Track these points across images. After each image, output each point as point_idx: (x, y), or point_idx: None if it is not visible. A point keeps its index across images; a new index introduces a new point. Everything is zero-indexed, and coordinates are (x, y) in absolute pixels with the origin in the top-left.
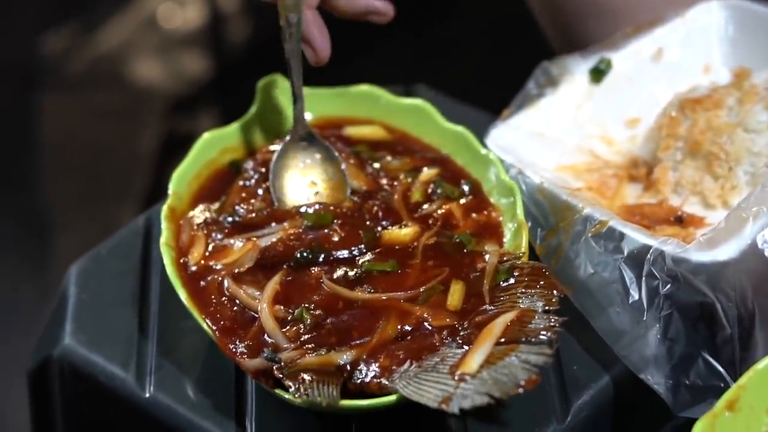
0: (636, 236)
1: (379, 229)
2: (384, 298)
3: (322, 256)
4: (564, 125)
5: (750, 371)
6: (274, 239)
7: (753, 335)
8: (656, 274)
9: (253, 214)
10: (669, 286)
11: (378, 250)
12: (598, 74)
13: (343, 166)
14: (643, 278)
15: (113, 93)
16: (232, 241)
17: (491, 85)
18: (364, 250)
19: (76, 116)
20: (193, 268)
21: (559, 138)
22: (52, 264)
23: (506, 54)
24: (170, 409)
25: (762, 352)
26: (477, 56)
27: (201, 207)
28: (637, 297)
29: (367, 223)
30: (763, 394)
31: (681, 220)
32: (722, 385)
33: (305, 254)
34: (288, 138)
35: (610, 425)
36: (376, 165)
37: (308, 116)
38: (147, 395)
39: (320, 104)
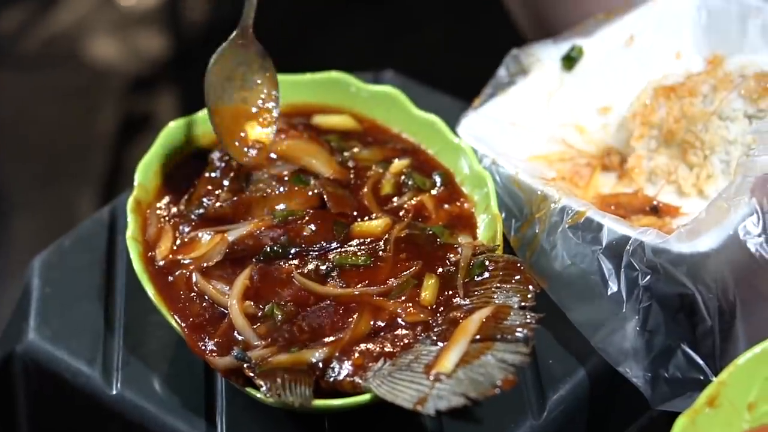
0: (615, 227)
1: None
2: (356, 293)
3: (293, 249)
4: (536, 114)
5: (730, 366)
6: (243, 232)
7: (734, 327)
8: (635, 265)
9: (220, 205)
10: (648, 277)
11: (350, 243)
12: (569, 61)
13: (270, 74)
14: (622, 269)
15: (70, 72)
16: (200, 234)
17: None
18: (336, 244)
19: (31, 96)
20: (161, 263)
21: (531, 127)
22: (9, 247)
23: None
24: (138, 407)
25: (743, 345)
26: (441, 35)
27: (168, 199)
28: (615, 289)
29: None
30: (743, 389)
31: (656, 210)
32: (702, 378)
33: (275, 248)
34: (228, 40)
35: (586, 419)
36: (346, 154)
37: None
38: (114, 392)
39: (288, 91)
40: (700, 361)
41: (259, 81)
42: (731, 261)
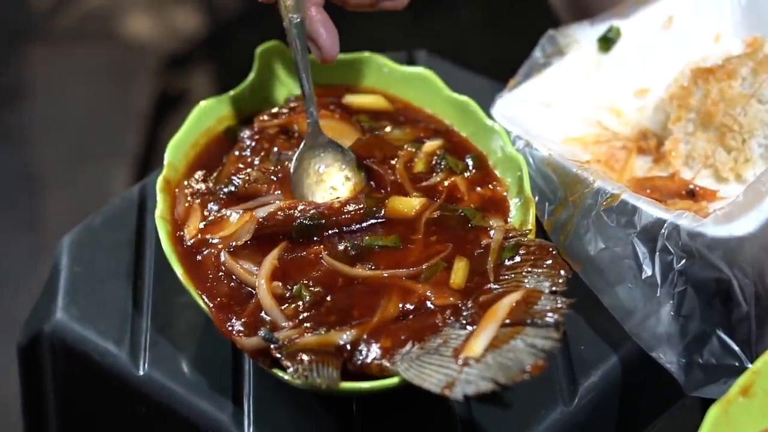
0: (650, 210)
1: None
2: (385, 275)
3: (324, 223)
4: (571, 96)
5: (765, 355)
6: (272, 209)
7: None
8: (671, 249)
9: (250, 185)
10: (684, 261)
11: (381, 221)
12: (606, 43)
13: (352, 159)
14: (657, 253)
15: (105, 49)
16: (228, 212)
17: (494, 50)
18: (371, 220)
19: (66, 73)
20: (190, 242)
21: (567, 109)
22: (43, 223)
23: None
24: (165, 388)
25: None
26: (477, 16)
27: (197, 177)
28: (650, 273)
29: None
30: None
31: (693, 194)
32: (737, 364)
33: (305, 222)
34: (303, 145)
35: (618, 406)
36: (378, 134)
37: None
38: (141, 373)
39: (320, 71)
40: (736, 348)
41: (348, 176)
42: None
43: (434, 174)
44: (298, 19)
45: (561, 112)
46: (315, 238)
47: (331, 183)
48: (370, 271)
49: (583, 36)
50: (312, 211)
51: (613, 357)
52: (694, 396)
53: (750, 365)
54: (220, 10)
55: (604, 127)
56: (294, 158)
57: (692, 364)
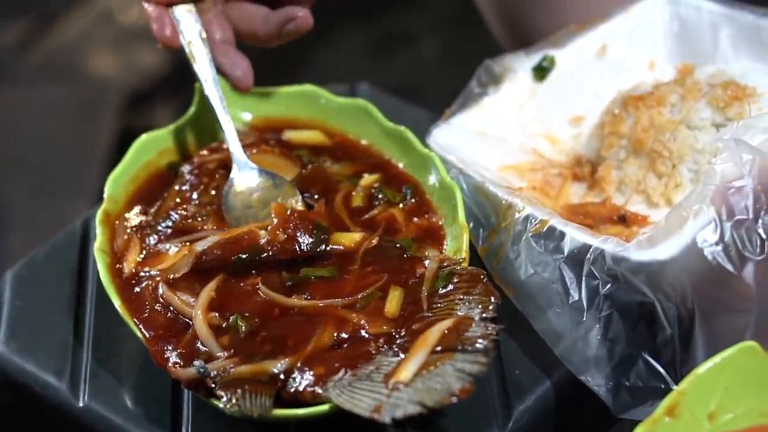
0: (576, 235)
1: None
2: (321, 304)
3: (263, 257)
4: (507, 124)
5: (690, 376)
6: (210, 243)
7: (693, 335)
8: (596, 273)
9: (189, 220)
10: (609, 285)
11: (320, 252)
12: (541, 72)
13: (290, 179)
14: (583, 278)
15: (68, 87)
16: (167, 246)
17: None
18: (308, 248)
19: (29, 110)
20: (128, 274)
21: (503, 137)
22: (1, 260)
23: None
24: (105, 419)
25: (703, 353)
26: (427, 50)
27: (136, 210)
28: (577, 297)
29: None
30: (704, 399)
31: (624, 219)
32: (663, 386)
33: (243, 257)
34: (231, 175)
35: (553, 430)
36: (318, 166)
37: (247, 116)
38: (81, 404)
39: (261, 104)
40: (661, 370)
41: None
42: (690, 269)
43: (373, 207)
44: (206, 62)
45: (497, 140)
46: (252, 271)
47: (266, 209)
48: (306, 301)
49: (519, 65)
50: (252, 246)
51: (546, 381)
52: (625, 418)
53: (675, 387)
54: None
55: (539, 154)
56: (225, 187)
57: (620, 386)
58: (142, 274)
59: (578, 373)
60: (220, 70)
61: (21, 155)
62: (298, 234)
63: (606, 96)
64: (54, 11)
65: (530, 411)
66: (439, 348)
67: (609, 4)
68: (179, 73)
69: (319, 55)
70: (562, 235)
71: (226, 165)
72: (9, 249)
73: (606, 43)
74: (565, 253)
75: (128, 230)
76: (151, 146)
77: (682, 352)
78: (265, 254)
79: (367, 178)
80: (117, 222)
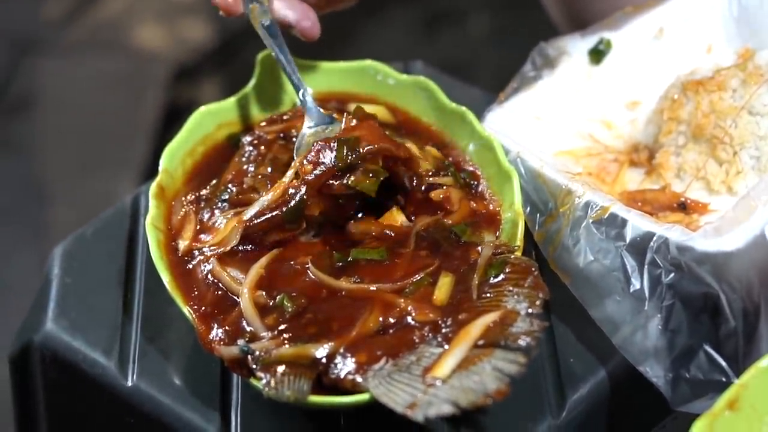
0: (639, 223)
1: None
2: (370, 288)
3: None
4: (562, 108)
5: (752, 369)
6: (257, 209)
7: (758, 329)
8: (659, 262)
9: (245, 194)
10: (672, 275)
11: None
12: (597, 55)
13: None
14: (646, 266)
15: (115, 60)
16: (220, 219)
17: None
18: (334, 163)
19: (76, 83)
20: (183, 251)
21: (558, 122)
22: (48, 233)
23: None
24: (153, 399)
25: (766, 347)
26: (478, 29)
27: (196, 185)
28: (638, 286)
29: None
30: (765, 393)
31: (684, 207)
32: (724, 379)
33: (286, 209)
34: (304, 127)
35: (606, 420)
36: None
37: (309, 90)
38: (129, 384)
39: (323, 78)
40: (723, 363)
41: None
42: (757, 261)
43: (439, 179)
44: (268, 22)
45: (552, 125)
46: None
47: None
48: (355, 285)
49: (574, 48)
50: (300, 191)
51: (601, 370)
52: (683, 411)
53: (737, 380)
54: (228, 20)
55: (595, 140)
56: (298, 138)
57: (679, 378)
58: (195, 251)
59: (637, 364)
60: (285, 24)
61: (67, 128)
62: (321, 156)
63: (663, 80)
64: None
65: (584, 401)
66: (481, 342)
67: None
68: (226, 47)
69: (367, 31)
70: (624, 222)
71: (285, 136)
72: (54, 222)
73: (663, 26)
74: (627, 241)
75: (185, 206)
76: (210, 119)
77: (745, 346)
78: (303, 196)
79: (435, 151)
80: (174, 200)
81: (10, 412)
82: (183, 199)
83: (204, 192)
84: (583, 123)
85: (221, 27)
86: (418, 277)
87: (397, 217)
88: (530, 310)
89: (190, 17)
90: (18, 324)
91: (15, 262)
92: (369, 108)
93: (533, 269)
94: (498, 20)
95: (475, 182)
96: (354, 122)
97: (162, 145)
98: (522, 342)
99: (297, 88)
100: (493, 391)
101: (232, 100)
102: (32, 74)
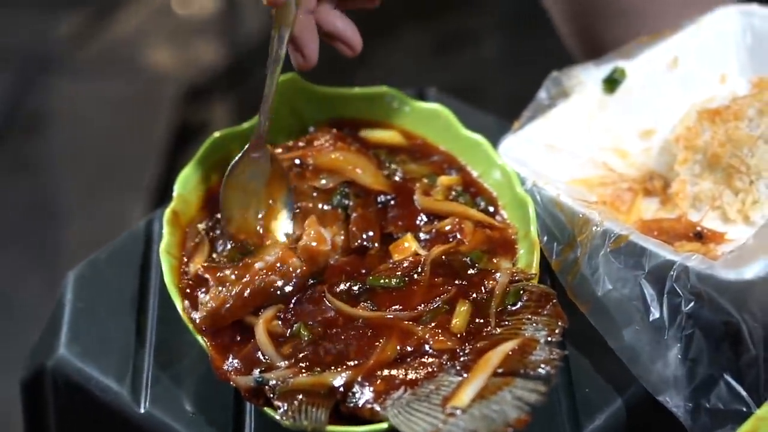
0: (659, 251)
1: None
2: (387, 316)
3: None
4: (576, 137)
5: None
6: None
7: None
8: (679, 291)
9: None
10: (692, 304)
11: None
12: (611, 84)
13: (291, 186)
14: (665, 295)
15: (126, 80)
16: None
17: (506, 84)
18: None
19: (87, 103)
20: (192, 273)
21: (572, 150)
22: (57, 255)
23: (523, 51)
24: (166, 426)
25: None
26: (491, 52)
27: (209, 212)
28: (657, 315)
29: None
30: None
31: (701, 236)
32: (744, 409)
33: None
34: (242, 154)
35: None
36: (394, 167)
37: (321, 116)
38: (142, 411)
39: (336, 104)
40: (743, 393)
41: (270, 201)
42: None
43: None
44: (288, 32)
45: (566, 153)
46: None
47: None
48: (372, 312)
49: (588, 77)
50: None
51: (618, 400)
52: None
53: (756, 410)
54: (240, 41)
55: (609, 168)
56: (228, 168)
57: (699, 408)
58: (204, 278)
59: (656, 393)
60: (296, 43)
61: (78, 149)
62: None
63: (677, 109)
64: (112, 4)
65: (600, 431)
66: (500, 370)
67: (683, 9)
68: (236, 69)
69: (378, 54)
70: (643, 250)
71: (301, 163)
72: (66, 242)
73: (677, 55)
74: (646, 270)
75: (199, 233)
76: (225, 144)
77: (766, 375)
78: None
79: (448, 177)
80: (189, 226)
81: None
82: (197, 226)
83: (216, 222)
84: (597, 152)
85: (233, 48)
86: (435, 304)
87: (411, 245)
88: (549, 338)
89: (202, 38)
90: (27, 346)
91: (25, 284)
92: (382, 132)
93: (552, 297)
94: (511, 44)
95: (493, 207)
96: (327, 144)
97: (174, 166)
98: (542, 370)
99: (263, 104)
100: (514, 420)
101: (245, 126)
102: (44, 94)
